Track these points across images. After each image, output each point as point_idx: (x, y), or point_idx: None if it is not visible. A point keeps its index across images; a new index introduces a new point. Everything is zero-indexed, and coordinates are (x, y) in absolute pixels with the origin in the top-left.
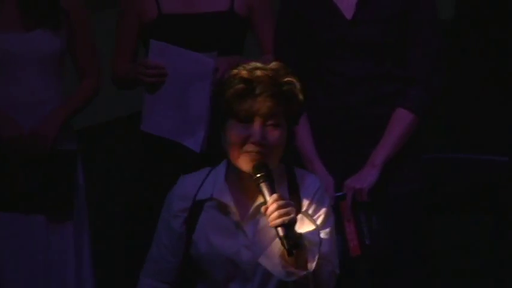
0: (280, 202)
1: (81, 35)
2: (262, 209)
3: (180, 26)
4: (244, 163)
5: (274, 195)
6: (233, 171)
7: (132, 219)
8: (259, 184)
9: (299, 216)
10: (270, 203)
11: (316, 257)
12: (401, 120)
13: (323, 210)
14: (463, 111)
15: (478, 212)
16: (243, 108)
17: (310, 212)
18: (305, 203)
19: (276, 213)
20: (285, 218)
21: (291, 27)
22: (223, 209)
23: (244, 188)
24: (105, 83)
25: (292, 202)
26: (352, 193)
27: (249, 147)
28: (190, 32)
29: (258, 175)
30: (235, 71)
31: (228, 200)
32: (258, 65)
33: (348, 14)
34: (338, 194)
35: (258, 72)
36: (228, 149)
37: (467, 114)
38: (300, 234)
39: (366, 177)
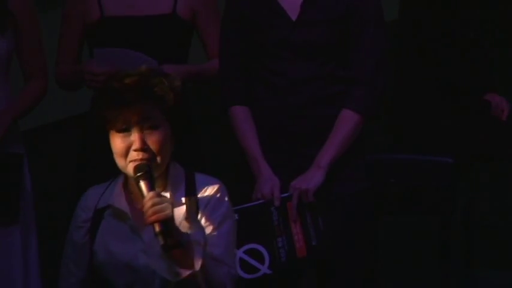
0: (155, 199)
1: (28, 36)
2: (140, 206)
3: (121, 29)
4: (131, 171)
5: (150, 193)
6: (129, 178)
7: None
8: (138, 183)
9: (188, 217)
10: (146, 201)
11: (200, 257)
12: (346, 121)
13: (220, 212)
14: (406, 111)
15: (421, 213)
16: (118, 119)
17: (207, 213)
18: (202, 205)
19: (150, 210)
20: (160, 215)
21: (235, 27)
22: (119, 215)
23: (134, 194)
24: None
25: (168, 198)
26: (298, 194)
27: (133, 155)
28: (132, 35)
29: (138, 174)
30: (106, 83)
31: (123, 205)
32: (128, 72)
33: (293, 14)
34: (284, 195)
35: (127, 80)
36: (116, 159)
37: (411, 114)
38: (183, 233)
39: (312, 178)
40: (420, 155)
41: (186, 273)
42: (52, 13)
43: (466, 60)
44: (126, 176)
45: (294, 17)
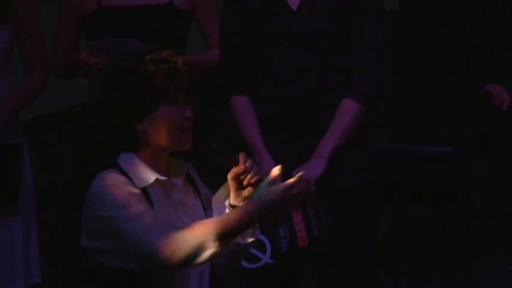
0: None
1: (29, 27)
2: (249, 178)
3: (118, 18)
4: (184, 140)
5: (249, 161)
6: (152, 157)
7: (76, 209)
8: (218, 154)
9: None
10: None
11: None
12: (347, 110)
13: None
14: (406, 102)
15: (422, 202)
16: (171, 88)
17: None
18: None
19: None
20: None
21: (236, 18)
22: (171, 188)
23: (163, 169)
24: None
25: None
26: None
27: (186, 124)
28: (128, 25)
29: (212, 146)
30: (144, 57)
31: (169, 180)
32: (147, 49)
33: (293, 4)
34: None
35: (163, 54)
36: (163, 134)
37: (411, 105)
38: None
39: (313, 168)
40: (421, 145)
41: (256, 234)
42: (53, 5)
43: (467, 51)
44: (142, 158)
45: (294, 7)
